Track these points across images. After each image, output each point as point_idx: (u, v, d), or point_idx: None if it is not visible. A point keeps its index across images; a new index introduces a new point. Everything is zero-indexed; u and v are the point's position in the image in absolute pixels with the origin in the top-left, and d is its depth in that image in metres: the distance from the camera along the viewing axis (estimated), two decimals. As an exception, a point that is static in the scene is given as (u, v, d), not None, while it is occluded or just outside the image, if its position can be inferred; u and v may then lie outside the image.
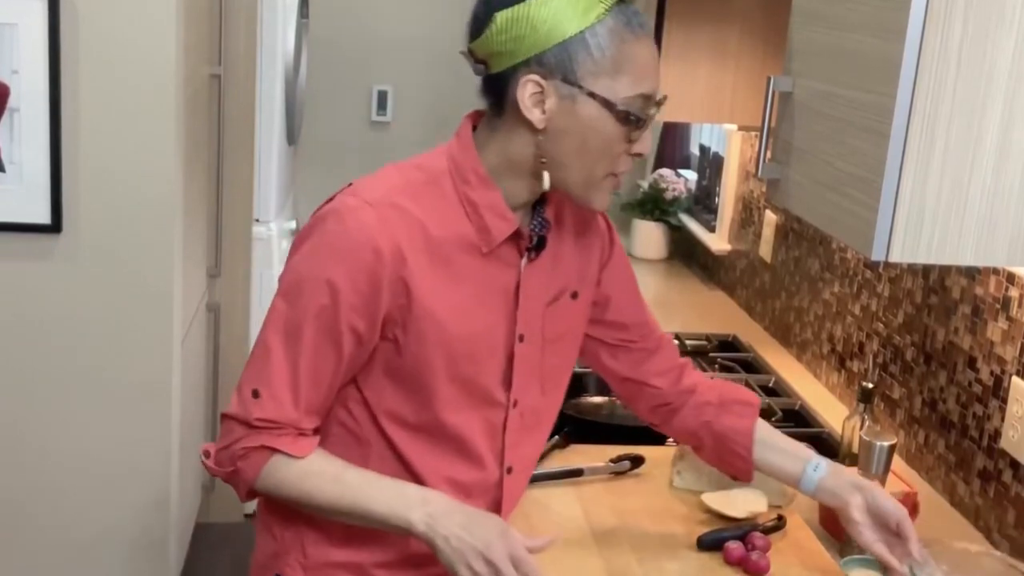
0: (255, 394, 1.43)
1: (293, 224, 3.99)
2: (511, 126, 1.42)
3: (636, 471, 1.99)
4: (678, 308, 3.28)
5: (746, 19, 2.48)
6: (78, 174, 2.63)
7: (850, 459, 1.93)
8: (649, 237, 3.81)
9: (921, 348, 2.11)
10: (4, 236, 2.64)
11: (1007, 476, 1.82)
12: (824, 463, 1.68)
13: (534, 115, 1.38)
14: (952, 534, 1.87)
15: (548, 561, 1.66)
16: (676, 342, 2.78)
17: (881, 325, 2.28)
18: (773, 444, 1.72)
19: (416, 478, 1.51)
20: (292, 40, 3.66)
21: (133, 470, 2.80)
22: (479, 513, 1.44)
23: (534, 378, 1.55)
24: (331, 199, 1.46)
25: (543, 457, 1.95)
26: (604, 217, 1.64)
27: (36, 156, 2.59)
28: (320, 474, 1.45)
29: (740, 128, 3.17)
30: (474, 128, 1.48)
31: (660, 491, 1.90)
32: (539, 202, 1.51)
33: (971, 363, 1.94)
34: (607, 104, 1.37)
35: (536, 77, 1.36)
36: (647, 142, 1.43)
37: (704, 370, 2.63)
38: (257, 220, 3.57)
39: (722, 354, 2.75)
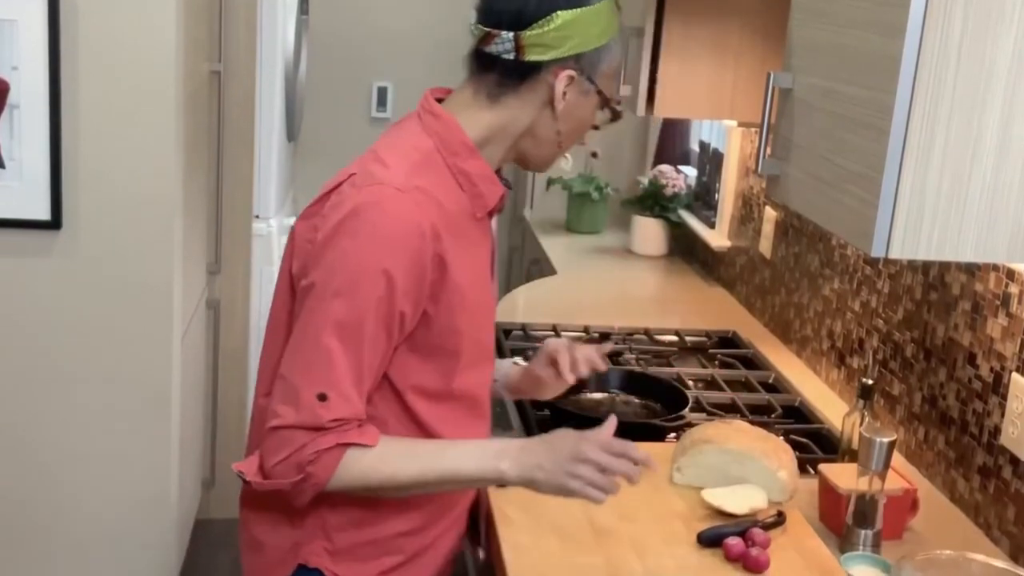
0: (322, 397, 1.46)
1: (293, 220, 3.98)
2: (522, 104, 1.57)
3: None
4: (678, 304, 3.27)
5: (746, 15, 2.48)
6: (78, 171, 2.63)
7: (850, 455, 1.93)
8: (649, 233, 3.80)
9: (921, 344, 2.11)
10: (4, 232, 2.64)
11: (1007, 472, 1.82)
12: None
13: (560, 103, 1.56)
14: (952, 530, 1.88)
15: (547, 557, 1.66)
16: (676, 338, 2.79)
17: (881, 321, 2.28)
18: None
19: None
20: (292, 36, 3.66)
21: (133, 466, 2.80)
22: (546, 435, 1.55)
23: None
24: (333, 189, 1.52)
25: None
26: None
27: (36, 152, 2.58)
28: (396, 455, 1.51)
29: (740, 124, 3.17)
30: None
31: (660, 487, 1.90)
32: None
33: (971, 359, 1.94)
34: (606, 101, 1.59)
35: (573, 73, 1.55)
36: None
37: (704, 367, 2.63)
38: (257, 216, 3.57)
39: (722, 350, 2.75)
